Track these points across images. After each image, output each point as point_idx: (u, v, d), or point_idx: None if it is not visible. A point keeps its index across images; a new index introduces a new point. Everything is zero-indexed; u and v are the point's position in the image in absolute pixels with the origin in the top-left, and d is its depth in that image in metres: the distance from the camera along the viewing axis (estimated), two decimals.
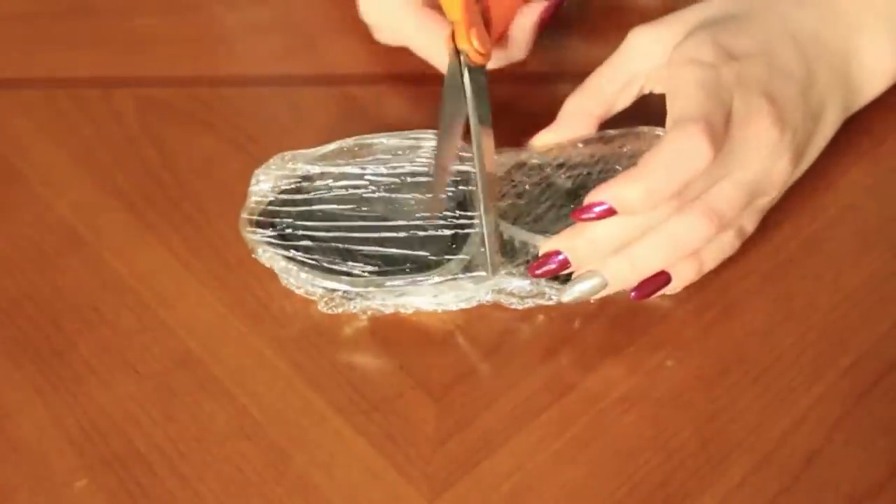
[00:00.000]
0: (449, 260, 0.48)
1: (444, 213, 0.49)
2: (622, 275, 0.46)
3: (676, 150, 0.43)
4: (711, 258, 0.48)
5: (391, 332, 0.48)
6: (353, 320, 0.49)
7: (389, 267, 0.48)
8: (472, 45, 0.46)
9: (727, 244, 0.48)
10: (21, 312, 0.49)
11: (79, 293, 0.50)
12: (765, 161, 0.47)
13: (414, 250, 0.49)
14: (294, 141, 0.52)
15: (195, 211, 0.53)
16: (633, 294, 0.47)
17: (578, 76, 0.52)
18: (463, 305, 0.48)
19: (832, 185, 0.54)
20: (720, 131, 0.44)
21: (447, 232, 0.49)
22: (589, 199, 0.44)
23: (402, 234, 0.49)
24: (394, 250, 0.49)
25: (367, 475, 0.43)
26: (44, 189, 0.55)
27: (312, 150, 0.51)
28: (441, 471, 0.43)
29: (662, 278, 0.47)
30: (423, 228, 0.49)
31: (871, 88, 0.54)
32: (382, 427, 0.45)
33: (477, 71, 0.47)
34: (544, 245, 0.46)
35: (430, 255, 0.48)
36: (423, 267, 0.48)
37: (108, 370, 0.47)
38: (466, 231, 0.49)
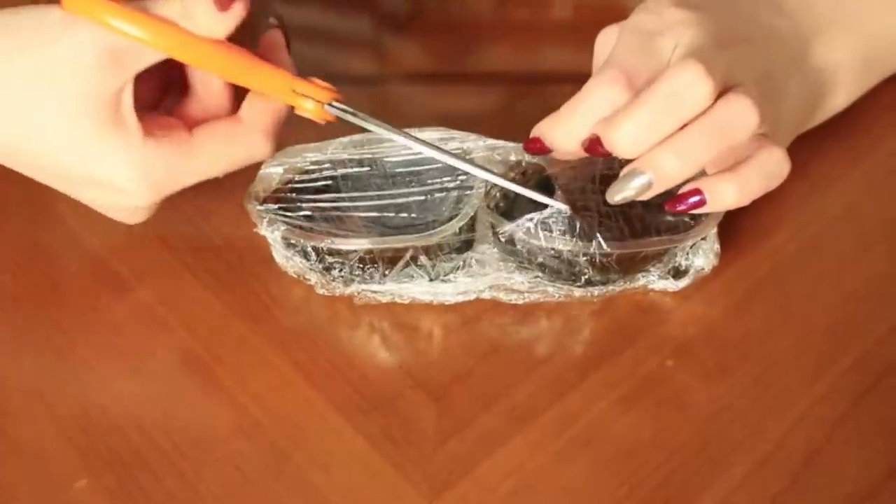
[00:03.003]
0: (449, 220, 0.48)
1: (443, 179, 0.50)
2: (668, 170, 0.44)
3: (588, 90, 0.45)
4: (756, 178, 0.45)
5: (391, 332, 0.48)
6: (354, 320, 0.49)
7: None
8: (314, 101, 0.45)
9: (772, 163, 0.45)
10: (22, 312, 0.49)
11: (79, 293, 0.50)
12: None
13: (414, 218, 0.49)
14: (295, 141, 0.52)
15: (195, 211, 0.53)
16: (666, 205, 0.45)
17: (576, 77, 0.52)
18: (460, 298, 0.49)
19: (832, 185, 0.54)
20: (634, 75, 0.44)
21: (447, 198, 0.49)
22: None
23: (401, 201, 0.49)
24: (393, 214, 0.49)
25: (366, 475, 0.43)
26: (44, 189, 0.55)
27: (323, 143, 0.52)
28: (441, 471, 0.43)
29: (696, 195, 0.45)
30: (424, 195, 0.50)
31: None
32: (382, 427, 0.45)
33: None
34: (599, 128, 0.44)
35: (430, 220, 0.49)
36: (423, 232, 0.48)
37: (108, 370, 0.47)
38: (466, 194, 0.49)
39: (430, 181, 0.50)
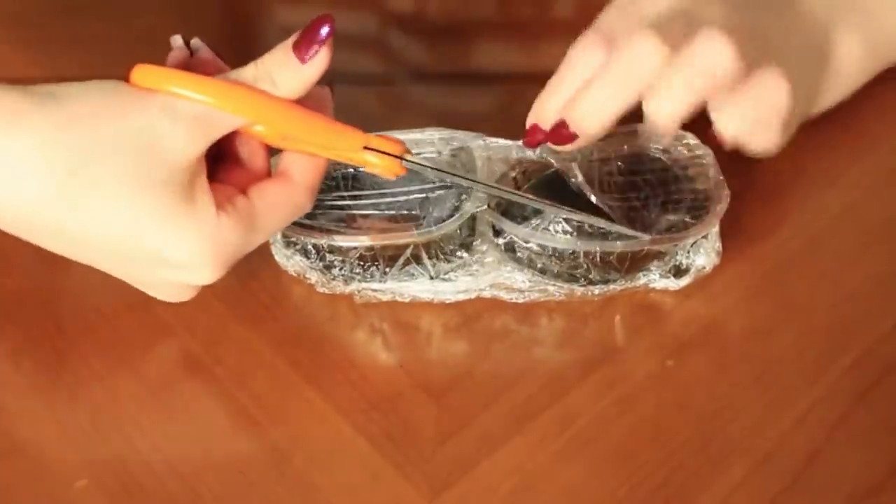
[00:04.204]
0: (450, 217, 0.48)
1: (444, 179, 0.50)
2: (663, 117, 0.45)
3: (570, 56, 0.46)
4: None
5: (391, 332, 0.48)
6: (354, 320, 0.49)
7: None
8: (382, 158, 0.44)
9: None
10: (22, 312, 0.49)
11: (80, 293, 0.50)
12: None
13: (415, 215, 0.49)
14: None
15: None
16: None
17: None
18: (461, 297, 0.49)
19: (832, 184, 0.54)
20: (612, 36, 0.45)
21: (448, 196, 0.49)
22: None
23: (402, 199, 0.49)
24: (394, 212, 0.49)
25: (367, 475, 0.43)
26: None
27: None
28: (441, 471, 0.43)
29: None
30: (424, 193, 0.50)
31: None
32: (382, 427, 0.44)
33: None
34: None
35: (431, 218, 0.49)
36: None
37: (108, 370, 0.47)
38: (467, 192, 0.49)
39: (431, 180, 0.50)
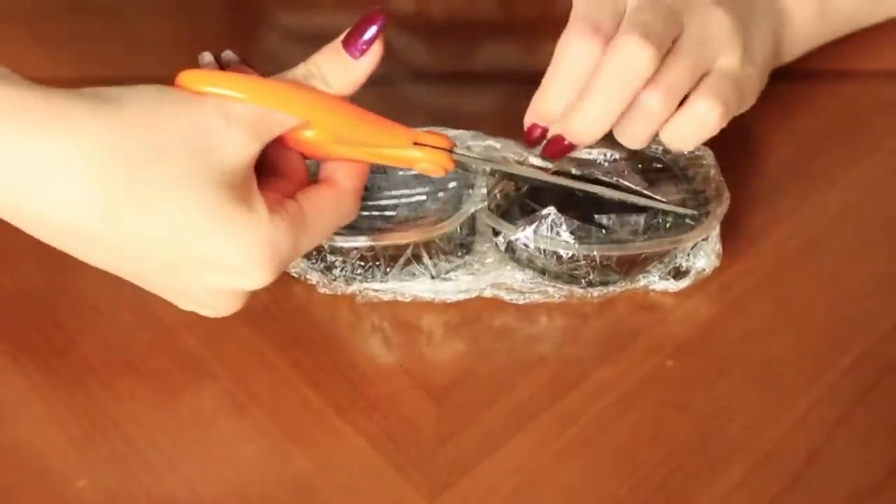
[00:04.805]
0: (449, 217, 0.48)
1: (445, 178, 0.50)
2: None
3: (560, 52, 0.46)
4: (682, 128, 0.46)
5: (391, 332, 0.48)
6: (354, 320, 0.49)
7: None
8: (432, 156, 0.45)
9: (699, 114, 0.46)
10: (21, 311, 0.49)
11: (79, 292, 0.50)
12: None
13: (416, 216, 0.49)
14: None
15: None
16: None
17: None
18: (462, 296, 0.49)
19: (832, 184, 0.54)
20: (597, 20, 0.45)
21: (449, 196, 0.49)
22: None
23: (403, 200, 0.49)
24: (395, 213, 0.49)
25: (367, 475, 0.43)
26: None
27: None
28: (441, 471, 0.43)
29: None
30: (425, 193, 0.50)
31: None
32: (382, 427, 0.45)
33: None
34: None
35: (432, 218, 0.49)
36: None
37: (108, 369, 0.47)
38: (467, 192, 0.49)
39: (432, 180, 0.50)
